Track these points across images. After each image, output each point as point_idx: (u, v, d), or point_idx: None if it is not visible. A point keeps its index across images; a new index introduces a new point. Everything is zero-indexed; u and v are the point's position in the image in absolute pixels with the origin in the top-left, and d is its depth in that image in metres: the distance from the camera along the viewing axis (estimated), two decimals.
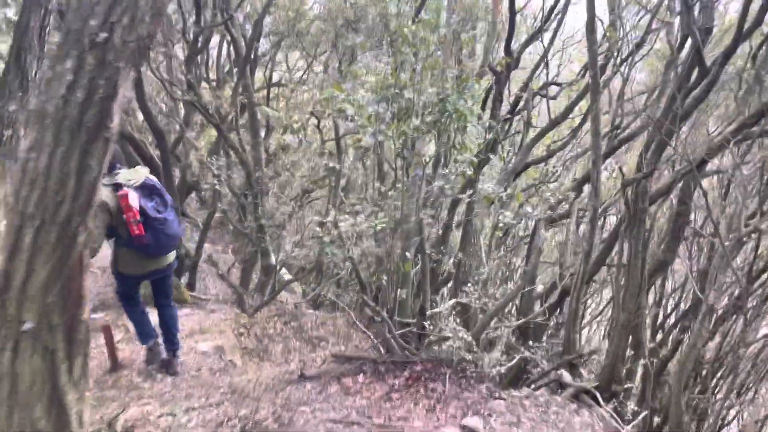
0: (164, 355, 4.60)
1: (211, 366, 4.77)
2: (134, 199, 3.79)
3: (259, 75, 13.62)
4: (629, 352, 5.81)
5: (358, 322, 6.04)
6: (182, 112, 8.54)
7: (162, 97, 7.51)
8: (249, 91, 8.08)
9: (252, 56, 8.17)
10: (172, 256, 4.28)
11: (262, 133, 9.56)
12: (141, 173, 3.99)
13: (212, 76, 10.29)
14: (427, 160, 5.36)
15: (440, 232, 7.10)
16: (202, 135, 9.68)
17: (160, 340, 4.64)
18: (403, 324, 5.14)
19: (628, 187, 5.18)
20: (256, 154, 8.13)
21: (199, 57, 7.90)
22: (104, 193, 3.76)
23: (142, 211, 3.82)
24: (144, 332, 4.56)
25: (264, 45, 14.73)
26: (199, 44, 7.10)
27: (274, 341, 6.30)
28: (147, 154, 7.78)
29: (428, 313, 4.97)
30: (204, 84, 8.03)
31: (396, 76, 4.58)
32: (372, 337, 5.21)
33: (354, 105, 4.47)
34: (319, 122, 9.45)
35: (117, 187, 3.82)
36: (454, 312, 5.09)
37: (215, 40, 10.90)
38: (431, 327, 4.85)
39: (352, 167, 9.62)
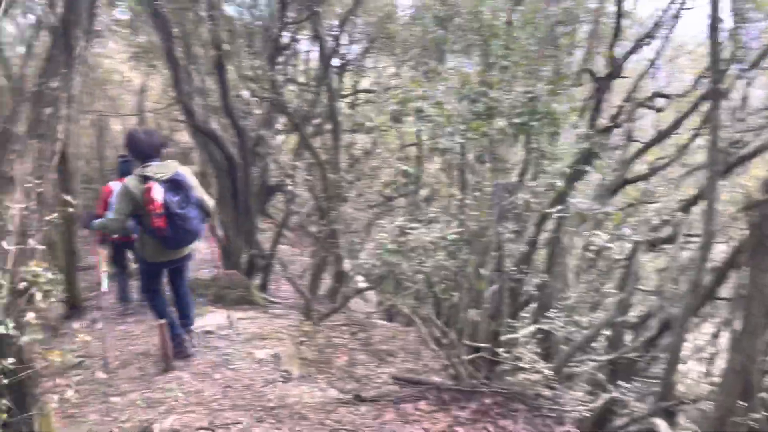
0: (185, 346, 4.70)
1: (266, 376, 4.48)
2: (158, 193, 3.96)
3: (348, 82, 13.60)
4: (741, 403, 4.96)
5: (429, 340, 5.60)
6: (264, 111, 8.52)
7: (244, 96, 7.46)
8: (332, 93, 7.86)
9: (337, 56, 7.96)
10: (190, 248, 4.49)
11: (346, 137, 9.33)
12: (171, 167, 4.15)
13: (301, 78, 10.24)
14: (513, 167, 4.84)
15: (523, 249, 6.49)
16: (285, 136, 9.60)
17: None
18: (473, 348, 4.62)
19: (752, 209, 4.38)
20: (335, 157, 7.90)
21: (285, 56, 7.80)
22: (132, 183, 4.06)
23: (165, 205, 3.98)
24: (171, 321, 4.66)
25: (353, 51, 14.73)
26: (284, 42, 6.97)
27: (338, 353, 5.96)
28: (227, 152, 7.75)
29: (503, 338, 4.43)
30: (289, 84, 7.90)
31: (483, 74, 4.13)
32: (443, 357, 4.77)
33: (432, 102, 4.05)
34: (397, 122, 9.09)
35: (145, 179, 4.02)
36: (533, 340, 4.51)
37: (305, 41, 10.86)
38: (506, 354, 4.30)
39: (435, 174, 9.18)
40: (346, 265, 8.13)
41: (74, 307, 7.08)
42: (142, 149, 4.20)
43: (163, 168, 4.14)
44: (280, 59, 6.90)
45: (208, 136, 7.43)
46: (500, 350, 4.31)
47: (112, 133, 20.38)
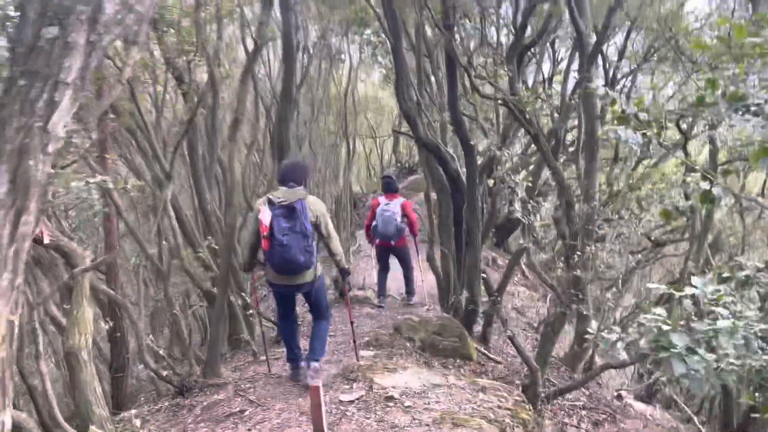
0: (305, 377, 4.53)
1: None
2: (266, 217, 4.13)
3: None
4: None
5: None
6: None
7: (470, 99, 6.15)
8: (589, 100, 6.07)
9: (598, 50, 6.15)
10: (303, 278, 4.34)
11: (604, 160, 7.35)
12: (296, 195, 4.22)
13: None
14: None
15: None
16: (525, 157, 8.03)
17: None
18: None
19: None
20: (588, 183, 6.07)
21: (529, 51, 6.27)
22: (258, 203, 4.37)
23: (271, 229, 4.10)
24: (288, 347, 4.69)
25: (624, 67, 12.43)
26: (527, 32, 5.47)
27: None
28: (452, 171, 6.49)
29: None
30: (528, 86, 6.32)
31: None
32: None
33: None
34: (685, 137, 6.76)
35: (269, 201, 4.20)
36: None
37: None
38: None
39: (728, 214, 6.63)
40: (592, 325, 6.15)
41: None
42: (280, 175, 4.49)
43: (285, 193, 4.25)
44: (524, 53, 5.41)
45: (430, 151, 6.26)
46: None
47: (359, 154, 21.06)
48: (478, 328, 6.96)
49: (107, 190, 4.56)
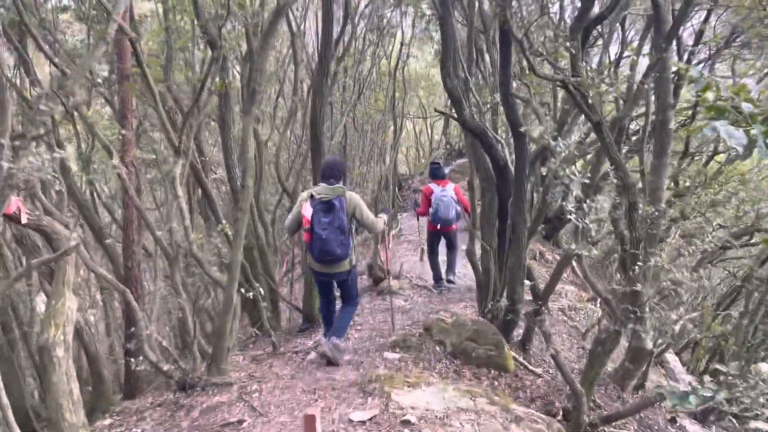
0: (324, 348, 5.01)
1: None
2: (308, 211, 4.57)
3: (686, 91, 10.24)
4: None
5: None
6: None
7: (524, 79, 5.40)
8: (663, 85, 5.28)
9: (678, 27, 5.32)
10: (339, 267, 4.84)
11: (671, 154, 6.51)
12: (335, 192, 4.66)
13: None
14: None
15: None
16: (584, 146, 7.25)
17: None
18: None
19: None
20: (656, 181, 5.30)
21: (596, 27, 5.48)
22: (301, 198, 4.80)
23: (311, 222, 4.56)
24: (326, 326, 5.37)
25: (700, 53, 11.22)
26: (595, 5, 4.70)
27: None
28: (499, 159, 5.82)
29: None
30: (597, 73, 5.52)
31: None
32: None
33: None
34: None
35: (310, 196, 4.66)
36: None
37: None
38: None
39: None
40: (649, 342, 5.44)
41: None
42: (322, 171, 4.96)
43: (326, 190, 4.71)
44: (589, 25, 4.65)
45: (476, 136, 5.60)
46: None
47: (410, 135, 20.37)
48: (518, 331, 6.32)
49: (119, 174, 4.18)
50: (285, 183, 7.90)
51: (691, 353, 11.09)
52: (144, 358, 4.09)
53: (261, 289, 5.62)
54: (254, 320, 7.08)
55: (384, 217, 5.27)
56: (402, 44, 12.85)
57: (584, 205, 4.11)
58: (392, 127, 13.35)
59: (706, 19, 9.33)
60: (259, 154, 7.94)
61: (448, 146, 20.37)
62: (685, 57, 9.81)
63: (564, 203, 3.94)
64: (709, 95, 2.20)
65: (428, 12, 11.31)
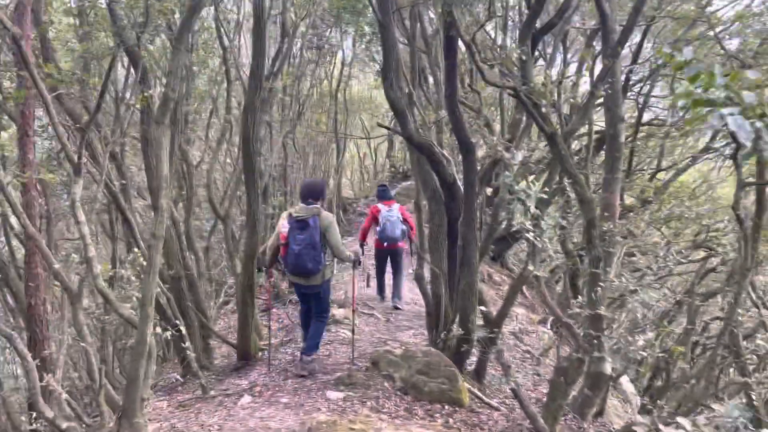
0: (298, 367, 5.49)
1: None
2: (284, 228, 5.16)
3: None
4: None
5: None
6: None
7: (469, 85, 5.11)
8: (614, 98, 5.07)
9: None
10: (313, 280, 5.23)
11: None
12: (310, 212, 5.12)
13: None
14: None
15: None
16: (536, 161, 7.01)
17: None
18: None
19: None
20: (608, 197, 5.05)
21: (546, 33, 5.23)
22: (282, 215, 5.38)
23: (287, 240, 5.12)
24: (303, 330, 5.83)
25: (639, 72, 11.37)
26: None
27: None
28: (447, 176, 5.46)
29: None
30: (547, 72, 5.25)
31: None
32: None
33: None
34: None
35: (289, 215, 5.22)
36: None
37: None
38: None
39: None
40: (608, 367, 5.11)
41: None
42: (301, 192, 5.36)
43: (303, 210, 5.14)
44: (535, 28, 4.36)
45: (422, 152, 5.23)
46: None
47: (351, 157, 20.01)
48: (471, 358, 5.90)
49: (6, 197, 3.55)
50: (217, 207, 7.29)
51: (636, 371, 10.98)
52: (38, 414, 3.42)
53: (182, 327, 5.00)
54: (184, 360, 6.40)
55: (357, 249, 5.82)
56: (343, 64, 12.52)
57: (542, 223, 3.76)
58: (334, 149, 12.93)
59: (644, 37, 9.35)
60: (189, 176, 7.33)
61: (392, 169, 20.12)
62: (623, 76, 9.85)
63: (520, 221, 3.57)
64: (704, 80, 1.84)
65: (368, 31, 11.04)
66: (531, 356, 7.81)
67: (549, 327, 9.44)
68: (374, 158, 21.40)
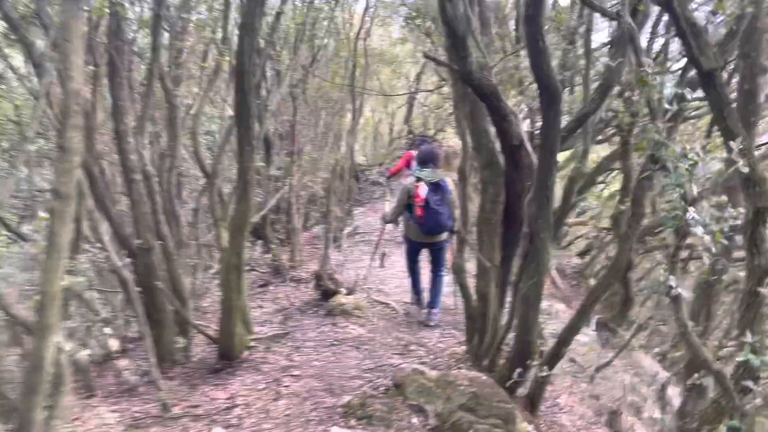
0: (422, 315, 6.08)
1: None
2: (423, 191, 5.51)
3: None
4: None
5: None
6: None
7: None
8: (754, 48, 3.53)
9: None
10: (441, 237, 5.78)
11: None
12: (439, 175, 5.65)
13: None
14: None
15: None
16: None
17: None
18: None
19: None
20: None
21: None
22: (408, 181, 5.81)
23: (426, 201, 5.48)
24: (414, 289, 6.36)
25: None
26: None
27: None
28: (514, 136, 3.95)
29: None
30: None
31: None
32: None
33: None
34: None
35: (418, 179, 5.63)
36: None
37: None
38: None
39: None
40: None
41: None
42: (422, 157, 5.90)
43: (432, 174, 5.65)
44: None
45: (481, 96, 3.72)
46: None
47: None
48: (523, 390, 4.47)
49: None
50: (203, 161, 5.82)
51: None
52: None
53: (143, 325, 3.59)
54: (160, 353, 5.00)
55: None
56: (365, 9, 10.87)
57: (701, 210, 2.28)
58: (350, 109, 11.35)
59: None
60: (173, 121, 5.83)
61: (410, 136, 18.53)
62: None
63: (685, 213, 2.11)
64: None
65: None
66: (579, 368, 6.39)
67: (594, 329, 8.02)
68: (391, 123, 19.78)
